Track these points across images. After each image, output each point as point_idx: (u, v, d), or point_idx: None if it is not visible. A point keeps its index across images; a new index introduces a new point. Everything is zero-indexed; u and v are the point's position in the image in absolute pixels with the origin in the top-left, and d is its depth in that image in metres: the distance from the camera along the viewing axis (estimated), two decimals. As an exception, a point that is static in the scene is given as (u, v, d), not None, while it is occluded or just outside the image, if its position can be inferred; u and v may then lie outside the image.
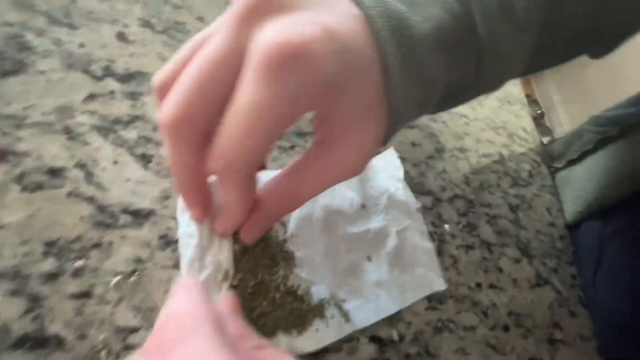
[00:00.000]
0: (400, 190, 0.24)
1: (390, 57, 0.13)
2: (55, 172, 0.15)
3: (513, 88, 0.41)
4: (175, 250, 0.16)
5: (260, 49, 0.11)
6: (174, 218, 0.17)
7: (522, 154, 0.36)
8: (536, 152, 0.37)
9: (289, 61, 0.11)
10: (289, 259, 0.18)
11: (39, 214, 0.15)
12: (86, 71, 0.18)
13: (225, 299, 0.14)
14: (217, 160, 0.12)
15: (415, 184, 0.26)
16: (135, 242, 0.16)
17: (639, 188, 0.29)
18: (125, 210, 0.16)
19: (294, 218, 0.20)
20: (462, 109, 0.34)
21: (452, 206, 0.27)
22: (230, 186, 0.13)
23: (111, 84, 0.18)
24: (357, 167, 0.15)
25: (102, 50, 0.19)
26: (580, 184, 0.34)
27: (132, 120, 0.18)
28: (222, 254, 0.15)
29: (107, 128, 0.17)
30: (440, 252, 0.25)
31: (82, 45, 0.19)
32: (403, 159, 0.27)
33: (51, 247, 0.14)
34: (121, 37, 0.20)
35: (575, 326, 0.28)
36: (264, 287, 0.16)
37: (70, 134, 0.16)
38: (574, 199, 0.34)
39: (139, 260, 0.16)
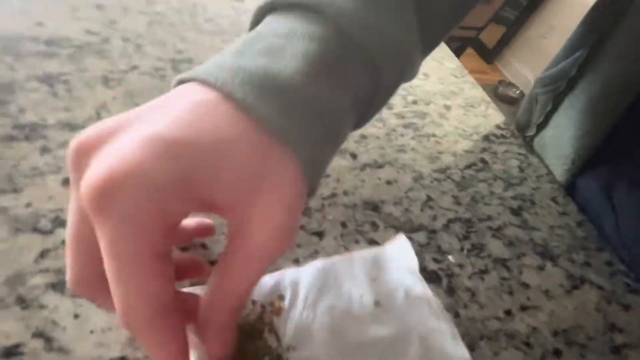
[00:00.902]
0: (418, 285, 0.21)
1: (265, 111, 0.12)
2: (11, 352, 0.14)
3: (472, 91, 0.41)
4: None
5: (82, 199, 0.11)
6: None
7: (506, 152, 0.34)
8: (518, 144, 0.36)
9: (106, 197, 0.10)
10: None
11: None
12: (35, 229, 0.18)
13: None
14: (120, 319, 0.12)
15: (402, 224, 0.25)
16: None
17: (614, 121, 0.30)
18: (94, 367, 0.15)
19: (289, 326, 0.17)
20: (428, 128, 0.33)
21: (450, 233, 0.26)
22: (145, 337, 0.12)
23: (61, 233, 0.18)
24: (287, 234, 0.13)
25: (49, 202, 0.19)
26: (556, 144, 0.35)
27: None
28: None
29: (63, 281, 0.17)
30: (452, 289, 0.22)
31: (28, 205, 0.19)
32: (382, 202, 0.26)
33: None
34: (67, 182, 0.20)
35: (636, 319, 0.24)
36: None
37: (23, 303, 0.16)
38: (557, 160, 0.34)
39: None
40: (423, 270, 0.22)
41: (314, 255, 0.21)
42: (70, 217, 0.12)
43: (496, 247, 0.26)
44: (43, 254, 0.17)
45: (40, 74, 0.25)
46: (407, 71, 0.17)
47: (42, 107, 0.23)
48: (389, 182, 0.28)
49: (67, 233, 0.13)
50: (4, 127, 0.21)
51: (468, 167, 0.31)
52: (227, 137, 0.12)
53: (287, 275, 0.19)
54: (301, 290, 0.19)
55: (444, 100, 0.37)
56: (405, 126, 0.33)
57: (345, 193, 0.25)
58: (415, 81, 0.38)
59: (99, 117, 0.24)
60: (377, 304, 0.19)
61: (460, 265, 0.24)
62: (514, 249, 0.26)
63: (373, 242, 0.23)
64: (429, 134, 0.33)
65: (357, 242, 0.23)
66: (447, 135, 0.34)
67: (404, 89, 0.37)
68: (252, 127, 0.12)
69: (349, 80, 0.15)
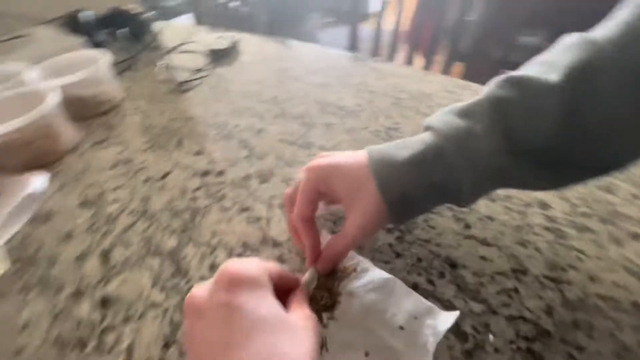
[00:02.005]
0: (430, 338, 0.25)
1: (375, 168, 0.26)
2: (254, 212, 0.37)
3: None
4: None
5: (306, 181, 0.29)
6: None
7: None
8: None
9: (305, 178, 0.28)
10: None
11: None
12: (285, 178, 0.41)
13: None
14: (295, 216, 0.29)
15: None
16: None
17: None
18: None
19: (344, 290, 0.28)
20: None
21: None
22: (301, 229, 0.29)
23: (290, 183, 0.40)
24: (362, 231, 0.26)
25: None
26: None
27: None
28: (310, 274, 0.29)
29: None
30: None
31: None
32: (458, 261, 0.31)
33: None
34: None
35: None
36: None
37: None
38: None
39: None
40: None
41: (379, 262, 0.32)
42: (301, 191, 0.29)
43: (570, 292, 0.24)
44: (281, 187, 0.40)
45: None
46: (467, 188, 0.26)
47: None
48: (483, 258, 0.31)
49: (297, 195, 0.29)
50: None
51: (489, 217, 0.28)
52: (352, 168, 0.27)
53: (366, 261, 0.31)
54: (365, 276, 0.30)
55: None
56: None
57: (438, 245, 0.33)
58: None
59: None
60: (401, 328, 0.25)
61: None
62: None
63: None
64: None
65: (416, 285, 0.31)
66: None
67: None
68: (367, 170, 0.27)
69: (428, 171, 0.26)
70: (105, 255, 0.34)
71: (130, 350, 0.27)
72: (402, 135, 0.46)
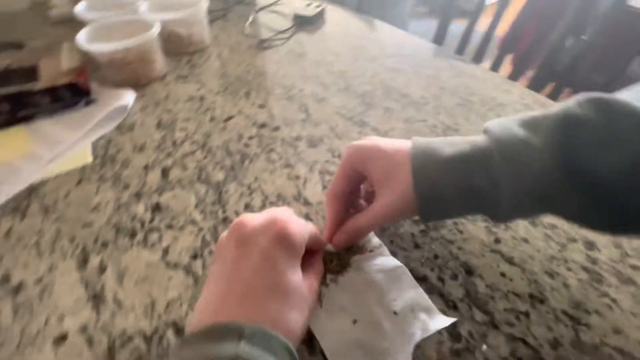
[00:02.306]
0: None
1: (415, 160, 0.26)
2: (295, 170, 0.40)
3: None
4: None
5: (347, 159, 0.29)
6: None
7: None
8: None
9: (348, 157, 0.29)
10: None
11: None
12: (332, 148, 0.43)
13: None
14: (328, 190, 0.30)
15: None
16: None
17: None
18: None
19: (353, 267, 0.29)
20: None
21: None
22: (327, 202, 0.30)
23: (335, 154, 0.42)
24: (387, 216, 0.27)
25: (343, 144, 0.43)
26: None
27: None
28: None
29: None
30: None
31: (338, 140, 0.44)
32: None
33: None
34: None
35: None
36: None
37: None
38: None
39: None
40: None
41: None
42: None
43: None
44: (325, 155, 0.42)
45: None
46: (524, 202, 0.24)
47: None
48: (503, 275, 0.31)
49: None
50: (358, 114, 0.49)
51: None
52: (391, 152, 0.27)
53: (383, 247, 0.31)
54: (378, 258, 0.31)
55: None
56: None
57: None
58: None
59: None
60: (395, 313, 0.26)
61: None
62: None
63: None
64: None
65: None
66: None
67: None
68: (407, 158, 0.26)
69: (470, 173, 0.25)
70: (165, 171, 0.40)
71: (166, 250, 0.32)
72: (455, 133, 0.45)
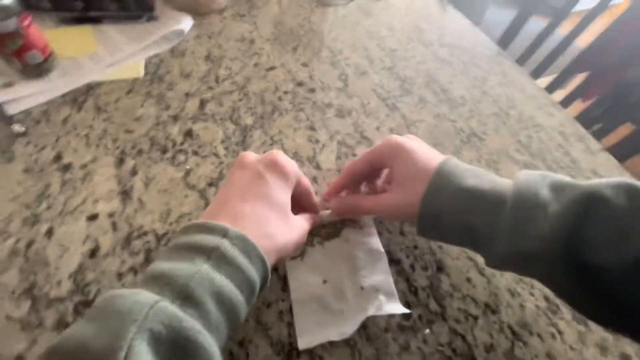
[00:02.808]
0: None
1: (435, 180, 0.27)
2: (317, 134, 0.43)
3: None
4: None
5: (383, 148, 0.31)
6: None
7: None
8: None
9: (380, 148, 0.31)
10: None
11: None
12: (357, 123, 0.45)
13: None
14: (348, 165, 0.32)
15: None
16: None
17: None
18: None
19: (342, 236, 0.32)
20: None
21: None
22: (341, 175, 0.32)
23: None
24: (390, 208, 0.29)
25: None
26: None
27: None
28: (328, 216, 0.33)
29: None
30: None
31: (365, 117, 0.46)
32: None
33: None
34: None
35: None
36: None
37: (332, 130, 0.43)
38: None
39: None
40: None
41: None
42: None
43: None
44: (349, 128, 0.44)
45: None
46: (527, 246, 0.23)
47: (410, 102, 0.49)
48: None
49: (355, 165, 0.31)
50: (393, 97, 0.49)
51: None
52: (420, 161, 0.28)
53: (374, 230, 0.34)
54: (365, 237, 0.33)
55: None
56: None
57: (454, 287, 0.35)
58: None
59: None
60: (362, 288, 0.30)
61: None
62: None
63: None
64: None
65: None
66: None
67: None
68: (430, 173, 0.27)
69: (477, 212, 0.25)
70: (203, 103, 0.44)
71: (188, 172, 0.37)
72: (482, 147, 0.45)
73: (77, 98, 0.42)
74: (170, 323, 0.16)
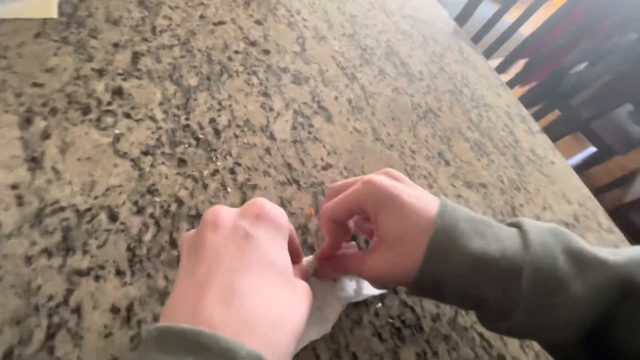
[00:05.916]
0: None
1: (433, 245, 0.22)
2: (271, 101, 0.39)
3: None
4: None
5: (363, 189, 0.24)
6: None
7: None
8: None
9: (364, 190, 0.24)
10: None
11: (255, 106, 0.38)
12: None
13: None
14: (325, 211, 0.26)
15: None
16: (261, 135, 0.36)
17: None
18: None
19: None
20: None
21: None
22: (324, 224, 0.26)
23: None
24: (379, 275, 0.24)
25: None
26: None
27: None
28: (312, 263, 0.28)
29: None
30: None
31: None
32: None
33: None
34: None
35: None
36: None
37: (287, 98, 0.40)
38: None
39: None
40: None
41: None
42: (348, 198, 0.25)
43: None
44: (306, 97, 0.41)
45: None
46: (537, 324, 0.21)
47: (369, 73, 0.47)
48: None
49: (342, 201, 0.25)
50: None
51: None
52: (412, 216, 0.23)
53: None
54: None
55: None
56: None
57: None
58: None
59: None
60: (334, 280, 0.29)
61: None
62: None
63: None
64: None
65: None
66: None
67: None
68: (425, 233, 0.22)
69: (488, 284, 0.22)
70: (137, 56, 0.37)
71: (117, 139, 0.31)
72: (437, 123, 0.46)
73: (-37, 37, 0.33)
74: None
